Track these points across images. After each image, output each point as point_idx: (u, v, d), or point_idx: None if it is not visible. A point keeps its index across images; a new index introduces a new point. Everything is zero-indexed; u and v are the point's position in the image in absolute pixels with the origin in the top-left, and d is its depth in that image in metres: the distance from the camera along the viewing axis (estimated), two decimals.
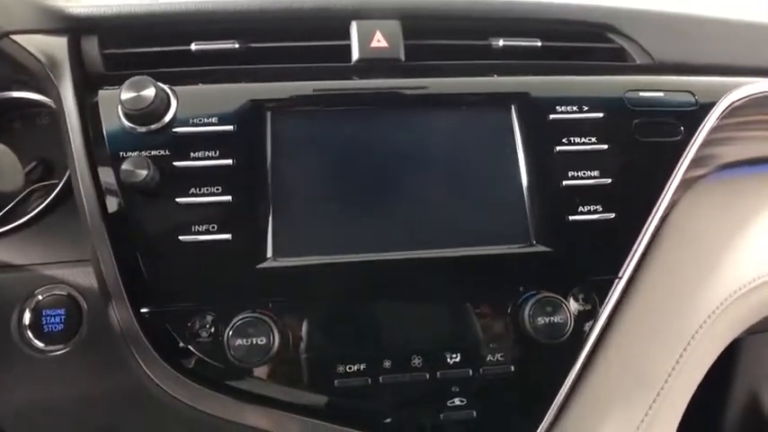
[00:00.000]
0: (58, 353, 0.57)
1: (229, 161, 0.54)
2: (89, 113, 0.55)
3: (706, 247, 0.65)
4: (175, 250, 0.53)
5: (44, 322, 0.59)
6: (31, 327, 0.58)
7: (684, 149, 0.62)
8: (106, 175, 0.54)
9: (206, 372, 0.52)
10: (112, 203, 0.54)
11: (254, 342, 0.50)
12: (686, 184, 0.64)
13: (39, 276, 0.58)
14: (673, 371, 0.60)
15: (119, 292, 0.53)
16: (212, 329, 0.52)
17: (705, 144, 0.63)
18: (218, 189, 0.54)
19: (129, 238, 0.53)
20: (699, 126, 0.63)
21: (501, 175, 0.58)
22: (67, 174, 0.61)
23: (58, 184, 0.63)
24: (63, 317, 0.59)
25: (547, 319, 0.53)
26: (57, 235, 0.61)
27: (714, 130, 0.64)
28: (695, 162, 0.63)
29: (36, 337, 0.57)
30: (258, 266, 0.53)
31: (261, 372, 0.52)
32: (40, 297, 0.58)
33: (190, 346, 0.52)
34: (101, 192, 0.55)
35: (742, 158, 0.70)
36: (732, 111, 0.66)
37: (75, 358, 0.57)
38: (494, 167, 0.58)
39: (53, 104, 0.60)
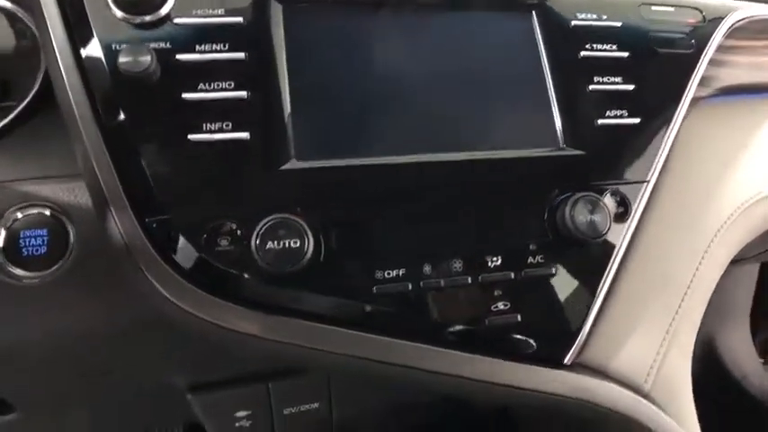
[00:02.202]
0: (43, 280, 0.49)
1: (241, 55, 0.48)
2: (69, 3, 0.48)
3: (715, 161, 0.66)
4: (184, 151, 0.47)
5: (22, 245, 0.50)
6: (6, 252, 0.49)
7: (697, 62, 0.63)
8: (97, 72, 0.47)
9: (229, 285, 0.46)
10: (107, 102, 0.47)
11: (287, 245, 0.45)
12: (692, 103, 0.64)
13: (10, 195, 0.50)
14: (694, 277, 0.60)
15: (119, 200, 0.46)
16: (233, 237, 0.46)
17: (711, 63, 0.64)
18: (230, 84, 0.48)
19: (129, 141, 0.46)
20: (707, 42, 0.64)
21: (527, 80, 0.56)
22: (37, 84, 0.52)
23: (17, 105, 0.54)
24: (45, 238, 0.51)
25: (588, 218, 0.51)
26: (28, 151, 0.53)
27: (718, 49, 0.65)
28: (701, 81, 0.63)
29: (14, 263, 0.49)
30: (281, 168, 0.47)
31: (293, 281, 0.47)
32: (13, 218, 0.50)
33: (208, 258, 0.46)
34: (90, 92, 0.47)
35: (740, 83, 0.71)
36: (733, 32, 0.67)
37: (65, 285, 0.49)
38: (519, 72, 0.56)
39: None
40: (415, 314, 0.49)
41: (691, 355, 0.59)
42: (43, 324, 0.51)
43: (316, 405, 0.67)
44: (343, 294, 0.48)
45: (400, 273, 0.49)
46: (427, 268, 0.49)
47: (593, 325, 0.54)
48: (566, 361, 0.52)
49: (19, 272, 0.49)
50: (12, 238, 0.49)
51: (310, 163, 0.48)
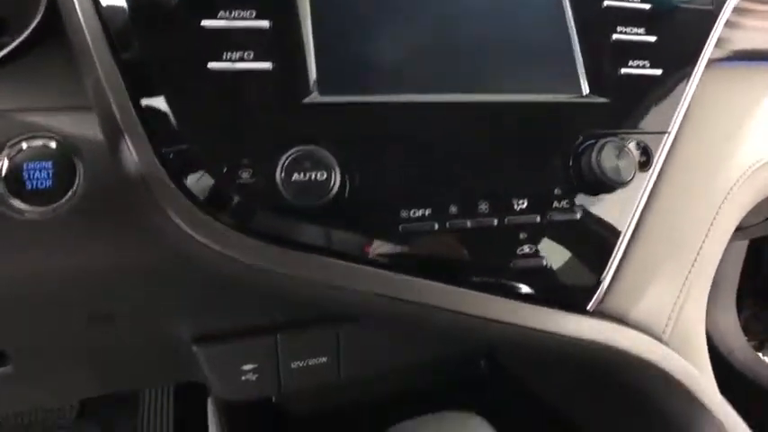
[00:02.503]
0: (46, 215, 0.47)
1: None
2: None
3: (726, 123, 0.66)
4: (204, 80, 0.44)
5: (26, 177, 0.47)
6: (8, 183, 0.46)
7: (715, 20, 0.63)
8: None
9: (250, 219, 0.44)
10: (122, 30, 0.44)
11: (313, 177, 0.43)
12: (708, 64, 0.64)
13: (13, 124, 0.47)
14: (708, 232, 0.60)
15: (135, 129, 0.43)
16: (255, 169, 0.44)
17: (727, 25, 0.64)
18: (251, 13, 0.46)
19: (145, 69, 0.44)
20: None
21: (550, 27, 0.55)
22: (40, 13, 0.49)
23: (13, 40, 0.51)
24: (51, 171, 0.48)
25: (615, 163, 0.50)
26: (32, 82, 0.50)
27: (734, 11, 0.65)
28: (717, 42, 0.63)
29: (17, 196, 0.46)
30: (304, 102, 0.45)
31: (316, 216, 0.45)
32: (17, 148, 0.47)
33: (229, 190, 0.44)
34: (104, 20, 0.44)
35: (753, 48, 0.71)
36: None
37: (69, 221, 0.46)
38: (544, 20, 0.55)
39: None
40: (440, 254, 0.48)
41: (705, 309, 0.59)
42: (45, 262, 0.49)
43: (324, 360, 0.65)
44: (368, 232, 0.46)
45: (426, 213, 0.47)
46: (453, 209, 0.48)
47: (615, 274, 0.53)
48: (588, 308, 0.51)
49: (21, 205, 0.46)
50: (15, 169, 0.46)
51: (332, 98, 0.46)
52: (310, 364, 0.64)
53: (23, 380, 0.66)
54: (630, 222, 0.54)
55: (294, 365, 0.64)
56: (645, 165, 0.55)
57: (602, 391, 0.60)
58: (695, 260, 0.57)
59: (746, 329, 1.41)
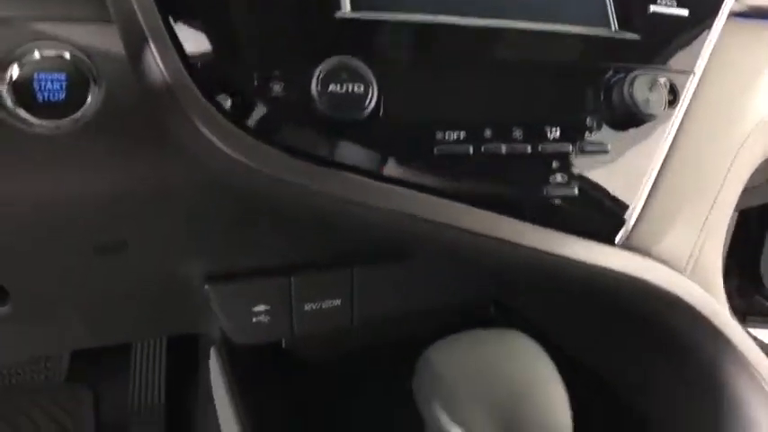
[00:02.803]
0: (55, 130, 0.44)
1: None
2: None
3: (743, 75, 0.66)
4: None
5: (37, 88, 0.44)
6: (17, 92, 0.43)
7: None
8: None
9: (282, 132, 0.42)
10: None
11: (351, 89, 0.42)
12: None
13: (25, 32, 0.44)
14: (726, 178, 0.60)
15: (161, 38, 0.41)
16: (288, 81, 0.42)
17: None
18: None
19: None
20: None
21: None
22: None
23: None
24: (64, 83, 0.46)
25: (646, 95, 0.50)
26: None
27: None
28: None
29: (26, 108, 0.43)
30: (336, 15, 0.43)
31: (351, 132, 0.43)
32: (29, 57, 0.44)
33: (261, 102, 0.42)
34: None
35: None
36: None
37: (82, 138, 0.44)
38: None
39: None
40: (473, 179, 0.47)
41: (721, 253, 0.60)
42: (53, 181, 0.46)
43: (337, 302, 0.64)
44: (402, 152, 0.45)
45: (461, 135, 0.46)
46: (488, 133, 0.47)
47: (641, 210, 0.53)
48: (616, 241, 0.51)
49: (30, 118, 0.43)
50: (25, 79, 0.43)
51: (364, 14, 0.44)
52: (323, 306, 0.63)
53: (21, 322, 0.63)
54: (657, 159, 0.53)
55: (307, 308, 0.62)
56: (672, 103, 0.54)
57: (622, 330, 0.60)
58: (714, 202, 0.58)
59: (730, 303, 1.42)
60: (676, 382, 0.58)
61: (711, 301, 0.52)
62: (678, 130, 0.56)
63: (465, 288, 0.63)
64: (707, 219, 0.57)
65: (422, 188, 0.45)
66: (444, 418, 0.33)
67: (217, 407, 0.76)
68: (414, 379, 0.37)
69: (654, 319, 0.54)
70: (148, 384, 1.06)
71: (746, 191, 0.73)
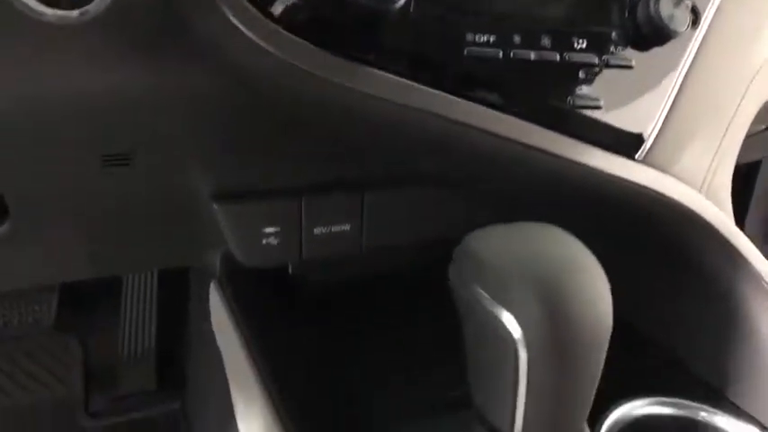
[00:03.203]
0: (68, 20, 0.41)
1: None
2: None
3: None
4: None
5: None
6: None
7: None
8: None
9: (310, 24, 0.41)
10: None
11: None
12: None
13: None
14: (738, 107, 0.61)
15: None
16: None
17: None
18: None
19: None
20: None
21: None
22: None
23: None
24: None
25: (672, 11, 0.50)
26: None
27: None
28: None
29: None
30: None
31: (381, 27, 0.42)
32: None
33: None
34: None
35: None
36: None
37: (98, 31, 0.41)
38: None
39: None
40: (502, 83, 0.46)
41: (731, 180, 0.60)
42: (60, 78, 0.44)
43: (347, 227, 0.63)
44: (432, 50, 0.44)
45: (491, 39, 0.45)
46: (517, 39, 0.46)
47: (661, 127, 0.53)
48: (636, 157, 0.51)
49: (39, 6, 0.41)
50: None
51: None
52: (333, 230, 0.62)
53: (20, 244, 0.61)
54: (678, 77, 0.53)
55: (317, 231, 0.61)
56: (693, 23, 0.54)
57: (639, 249, 0.61)
58: (728, 127, 0.58)
59: None
60: (690, 302, 0.59)
61: (727, 220, 0.53)
62: (696, 53, 0.56)
63: (475, 218, 0.62)
64: (721, 142, 0.58)
65: (449, 89, 0.45)
66: (489, 302, 0.33)
67: (219, 342, 0.75)
68: (451, 268, 0.36)
69: (670, 237, 0.54)
70: (138, 331, 1.04)
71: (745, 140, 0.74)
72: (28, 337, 1.03)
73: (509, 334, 0.32)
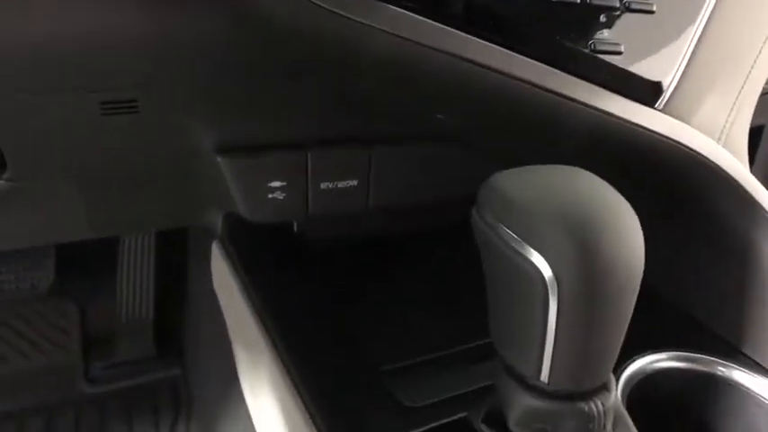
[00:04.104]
0: None
1: None
2: None
3: None
4: None
5: None
6: None
7: None
8: None
9: None
10: None
11: None
12: None
13: None
14: (756, 60, 0.59)
15: None
16: None
17: None
18: None
19: None
20: None
21: None
22: None
23: None
24: None
25: None
26: None
27: None
28: None
29: None
30: None
31: None
32: None
33: None
34: None
35: None
36: None
37: None
38: None
39: None
40: (522, 24, 0.44)
41: (747, 134, 0.59)
42: (63, 17, 0.41)
43: (354, 183, 0.61)
44: None
45: None
46: None
47: (681, 76, 0.51)
48: (656, 106, 0.50)
49: None
50: None
51: None
52: (339, 186, 0.60)
53: (19, 200, 0.59)
54: (698, 26, 0.52)
55: (323, 186, 0.60)
56: None
57: (655, 202, 0.60)
58: (746, 79, 0.57)
59: None
60: (707, 256, 0.59)
61: (745, 171, 0.51)
62: (716, 2, 0.55)
63: (484, 177, 0.61)
64: (739, 94, 0.56)
65: (466, 28, 0.43)
66: (518, 243, 0.31)
67: (221, 302, 0.74)
68: (475, 209, 0.35)
69: (687, 188, 0.53)
70: (136, 297, 1.03)
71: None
72: (25, 302, 1.01)
73: (539, 275, 0.31)
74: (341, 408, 0.46)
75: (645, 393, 0.50)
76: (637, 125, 0.48)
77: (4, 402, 0.95)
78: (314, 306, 0.60)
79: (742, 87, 0.57)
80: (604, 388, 0.34)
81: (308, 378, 0.49)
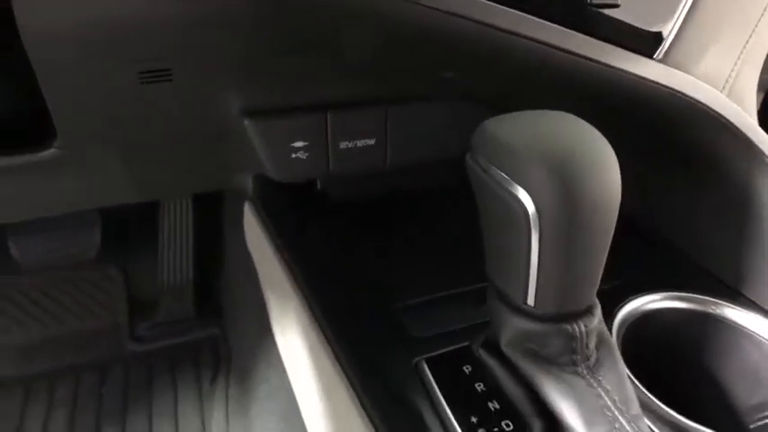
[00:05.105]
0: None
1: None
2: None
3: None
4: None
5: None
6: None
7: None
8: None
9: None
10: None
11: None
12: None
13: None
14: (763, 13, 0.59)
15: None
16: None
17: None
18: None
19: None
20: None
21: None
22: None
23: None
24: None
25: None
26: None
27: None
28: None
29: None
30: None
31: None
32: None
33: None
34: None
35: None
36: None
37: None
38: None
39: None
40: None
41: (756, 84, 0.60)
42: None
43: (371, 142, 0.65)
44: None
45: None
46: None
47: (681, 26, 0.52)
48: (655, 56, 0.51)
49: None
50: None
51: None
52: (359, 144, 0.64)
53: (67, 167, 0.65)
54: None
55: (342, 146, 0.64)
56: None
57: (656, 148, 0.61)
58: (754, 30, 0.57)
59: None
60: (707, 199, 0.60)
61: (747, 117, 0.53)
62: None
63: None
64: (746, 45, 0.57)
65: None
66: (506, 181, 0.34)
67: (254, 258, 0.79)
68: (469, 153, 0.38)
69: (688, 135, 0.55)
70: (176, 261, 1.09)
71: None
72: (75, 269, 1.08)
73: (523, 208, 0.34)
74: (358, 340, 0.50)
75: (640, 333, 0.52)
76: (633, 75, 0.50)
77: (61, 359, 1.03)
78: (336, 255, 0.64)
79: (749, 39, 0.58)
80: (588, 312, 0.37)
81: (331, 316, 0.54)
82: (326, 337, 0.52)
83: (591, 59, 0.48)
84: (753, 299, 0.56)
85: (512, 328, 0.38)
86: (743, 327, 0.54)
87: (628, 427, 0.33)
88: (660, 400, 0.45)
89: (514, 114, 0.38)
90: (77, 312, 1.09)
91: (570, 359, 0.36)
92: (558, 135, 0.35)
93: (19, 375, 0.98)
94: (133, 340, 1.09)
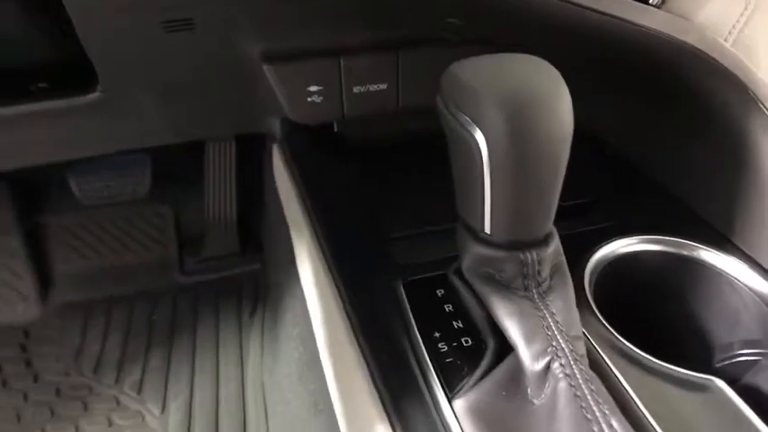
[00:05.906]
0: None
1: None
2: None
3: None
4: None
5: None
6: None
7: None
8: None
9: None
10: None
11: None
12: None
13: None
14: None
15: None
16: None
17: None
18: None
19: None
20: None
21: None
22: None
23: None
24: None
25: None
26: None
27: None
28: None
29: None
30: None
31: None
32: None
33: None
34: None
35: None
36: None
37: None
38: None
39: None
40: None
41: None
42: None
43: (384, 86, 0.68)
44: None
45: None
46: None
47: None
48: (652, 1, 0.51)
49: None
50: None
51: None
52: (371, 89, 0.68)
53: (108, 111, 0.71)
54: None
55: (356, 90, 0.67)
56: None
57: (654, 95, 0.61)
58: None
59: None
60: (702, 147, 0.60)
61: (748, 65, 0.52)
62: None
63: None
64: None
65: None
66: (466, 121, 0.37)
67: (281, 196, 0.84)
68: (438, 97, 0.41)
69: (686, 82, 0.55)
70: (221, 200, 1.16)
71: None
72: (128, 206, 1.17)
73: (477, 145, 0.37)
74: (351, 266, 0.56)
75: (615, 274, 0.55)
76: (633, 23, 0.50)
77: (116, 288, 1.13)
78: (346, 194, 0.69)
79: None
80: (543, 242, 0.40)
81: (334, 247, 0.59)
82: (328, 265, 0.57)
83: (589, 8, 0.49)
84: (740, 245, 0.57)
85: (472, 254, 0.41)
86: (720, 270, 0.55)
87: (563, 345, 0.37)
88: (632, 340, 0.47)
89: (483, 57, 0.40)
90: (131, 246, 1.19)
91: (522, 284, 0.40)
92: (517, 76, 0.38)
93: (79, 301, 1.09)
94: (181, 273, 1.18)
